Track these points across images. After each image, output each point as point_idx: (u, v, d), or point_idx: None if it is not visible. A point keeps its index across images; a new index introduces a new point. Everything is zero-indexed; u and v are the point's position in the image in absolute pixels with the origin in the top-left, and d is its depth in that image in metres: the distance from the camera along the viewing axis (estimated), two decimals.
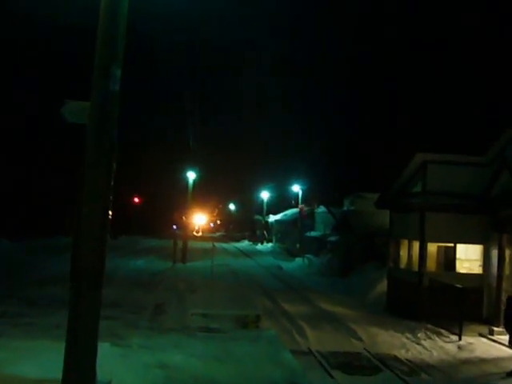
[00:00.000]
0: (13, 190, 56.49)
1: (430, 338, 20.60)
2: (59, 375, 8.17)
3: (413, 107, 60.93)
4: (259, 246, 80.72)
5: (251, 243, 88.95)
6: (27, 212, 59.33)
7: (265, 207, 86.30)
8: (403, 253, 27.17)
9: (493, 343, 20.17)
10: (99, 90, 8.36)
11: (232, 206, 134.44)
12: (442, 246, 25.36)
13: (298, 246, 58.02)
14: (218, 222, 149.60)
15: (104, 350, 9.57)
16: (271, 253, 66.35)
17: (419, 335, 20.93)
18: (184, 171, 52.78)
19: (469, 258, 25.03)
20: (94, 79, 8.40)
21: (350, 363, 16.94)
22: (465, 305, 21.27)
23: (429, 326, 22.15)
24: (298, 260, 52.99)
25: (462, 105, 51.16)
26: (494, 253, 23.36)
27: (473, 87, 52.73)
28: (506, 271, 22.12)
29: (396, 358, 17.80)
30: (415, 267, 25.23)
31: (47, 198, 58.50)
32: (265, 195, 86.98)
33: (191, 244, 55.37)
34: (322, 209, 57.59)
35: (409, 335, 20.98)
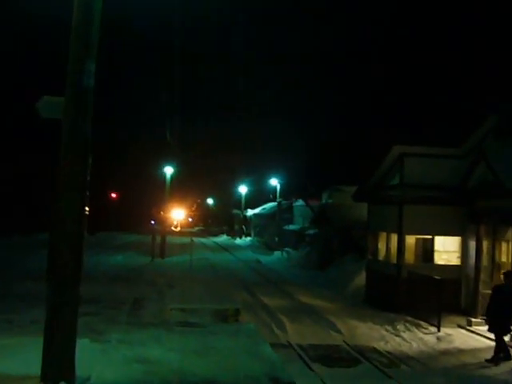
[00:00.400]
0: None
1: (409, 330, 20.72)
2: (40, 372, 8.18)
3: (391, 100, 61.20)
4: (238, 241, 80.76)
5: (230, 237, 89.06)
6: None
7: (243, 201, 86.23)
8: (381, 245, 27.30)
9: (471, 334, 20.33)
10: (73, 84, 8.33)
11: (210, 201, 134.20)
12: (420, 238, 25.48)
13: (276, 239, 58.12)
14: (190, 218, 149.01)
15: (83, 345, 9.56)
16: (250, 247, 66.40)
17: (398, 327, 21.04)
18: (162, 166, 52.68)
19: (447, 249, 25.18)
20: (68, 74, 8.37)
21: (330, 356, 17.03)
22: (443, 296, 21.38)
23: (408, 317, 22.27)
24: (277, 253, 53.10)
25: (439, 98, 51.45)
26: (472, 244, 23.51)
27: (449, 80, 53.03)
28: (484, 262, 22.28)
29: (375, 350, 17.91)
30: (393, 259, 25.37)
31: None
32: (243, 189, 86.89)
33: (170, 239, 55.31)
34: (300, 202, 57.69)
35: (388, 327, 21.09)
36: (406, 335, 19.99)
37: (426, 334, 20.33)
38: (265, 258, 51.21)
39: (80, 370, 8.44)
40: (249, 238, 78.99)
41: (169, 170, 51.60)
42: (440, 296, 21.17)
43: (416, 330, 20.71)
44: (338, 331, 20.39)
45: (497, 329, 17.10)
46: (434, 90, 53.41)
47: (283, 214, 61.14)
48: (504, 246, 22.03)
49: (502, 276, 19.00)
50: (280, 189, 66.17)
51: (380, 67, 66.85)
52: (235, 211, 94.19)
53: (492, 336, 17.44)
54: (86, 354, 9.63)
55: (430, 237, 25.06)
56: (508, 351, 16.87)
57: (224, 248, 66.09)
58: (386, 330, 20.71)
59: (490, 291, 18.48)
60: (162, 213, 54.22)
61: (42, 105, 8.92)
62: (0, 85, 53.29)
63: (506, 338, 17.32)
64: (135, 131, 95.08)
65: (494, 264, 21.92)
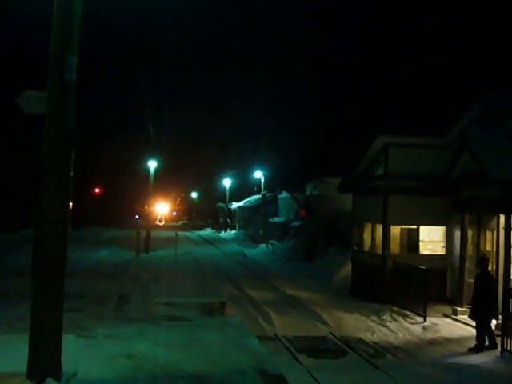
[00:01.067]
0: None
1: (395, 320, 20.80)
2: (26, 369, 8.15)
3: (375, 90, 61.31)
4: (223, 234, 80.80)
5: (214, 231, 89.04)
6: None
7: (227, 194, 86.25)
8: (367, 236, 27.36)
9: (457, 323, 20.43)
10: (55, 79, 8.26)
11: (194, 195, 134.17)
12: (405, 229, 25.57)
13: (261, 232, 58.11)
14: (174, 213, 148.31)
15: (69, 341, 9.53)
16: (235, 240, 66.41)
17: (384, 317, 21.11)
18: (145, 160, 52.56)
19: (432, 239, 25.31)
20: (49, 68, 8.30)
21: (316, 347, 17.05)
22: (429, 286, 21.49)
23: (394, 308, 22.37)
24: (262, 246, 53.09)
25: (425, 88, 51.58)
26: (457, 234, 23.63)
27: (435, 70, 53.16)
28: (469, 251, 22.37)
29: (362, 341, 17.96)
30: (379, 250, 25.43)
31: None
32: (227, 183, 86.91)
33: (154, 233, 55.21)
34: (284, 194, 57.72)
35: (374, 318, 21.16)
36: (392, 325, 20.06)
37: (412, 323, 20.42)
38: (250, 251, 51.23)
39: (66, 366, 8.43)
40: (233, 231, 79.02)
41: (152, 165, 51.48)
42: (425, 286, 21.27)
43: (402, 320, 20.80)
44: (325, 323, 20.44)
45: (481, 316, 17.26)
46: (419, 80, 53.53)
47: (268, 206, 61.16)
48: (489, 234, 22.12)
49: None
50: (264, 181, 66.18)
51: (366, 58, 66.91)
52: (219, 204, 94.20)
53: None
54: (72, 350, 9.62)
55: (414, 227, 25.17)
56: (494, 339, 16.99)
57: (209, 241, 66.11)
58: (372, 321, 20.78)
59: None
60: (146, 207, 54.12)
61: (24, 100, 8.85)
62: None
63: (493, 326, 17.46)
64: (118, 126, 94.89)
65: (479, 253, 22.02)
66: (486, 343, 17.04)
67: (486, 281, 17.65)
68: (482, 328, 17.23)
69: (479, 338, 17.13)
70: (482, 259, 18.64)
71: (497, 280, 18.76)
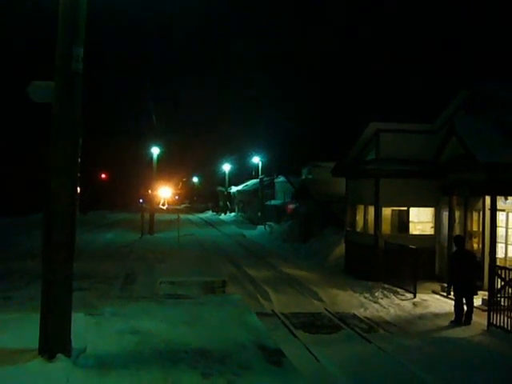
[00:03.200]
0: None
1: (386, 297, 20.86)
2: (37, 345, 8.15)
3: (370, 77, 61.24)
4: (222, 216, 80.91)
5: (215, 213, 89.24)
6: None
7: (227, 179, 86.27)
8: (359, 217, 27.38)
9: (445, 299, 20.48)
10: (62, 69, 8.20)
11: (195, 179, 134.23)
12: (395, 210, 25.59)
13: (259, 214, 58.17)
14: (177, 196, 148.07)
15: (78, 319, 9.54)
16: (234, 222, 66.48)
17: (376, 294, 21.19)
18: (149, 147, 52.59)
19: (421, 220, 25.34)
20: (56, 59, 8.25)
21: (312, 323, 17.10)
22: (418, 264, 21.60)
23: (385, 285, 22.47)
24: (260, 228, 53.20)
25: (415, 76, 51.57)
26: (445, 215, 23.68)
27: (422, 59, 53.12)
28: (456, 231, 22.39)
29: (355, 316, 18.01)
30: (371, 230, 25.47)
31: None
32: (227, 167, 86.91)
33: (158, 216, 55.25)
34: (281, 178, 57.77)
35: (366, 295, 21.22)
36: (383, 302, 20.12)
37: (402, 300, 20.48)
38: (249, 233, 51.28)
39: (76, 342, 8.43)
40: (233, 214, 79.12)
41: (155, 151, 51.46)
42: (415, 264, 21.38)
43: (393, 297, 20.86)
44: (320, 299, 20.49)
45: (464, 292, 17.34)
46: (410, 68, 53.51)
47: (265, 189, 61.20)
48: (475, 215, 22.17)
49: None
50: (262, 166, 66.20)
51: (359, 48, 66.82)
52: (219, 188, 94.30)
53: (464, 300, 17.54)
54: (81, 326, 9.63)
55: (405, 208, 25.21)
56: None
57: (209, 223, 66.18)
58: (365, 298, 20.84)
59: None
60: (149, 192, 54.15)
61: (33, 89, 8.80)
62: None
63: (479, 302, 17.53)
64: (123, 114, 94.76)
65: (466, 233, 22.07)
66: (463, 318, 17.18)
67: (465, 258, 17.70)
68: (458, 302, 17.35)
69: (468, 311, 17.21)
70: (457, 238, 18.71)
71: (475, 255, 18.81)
